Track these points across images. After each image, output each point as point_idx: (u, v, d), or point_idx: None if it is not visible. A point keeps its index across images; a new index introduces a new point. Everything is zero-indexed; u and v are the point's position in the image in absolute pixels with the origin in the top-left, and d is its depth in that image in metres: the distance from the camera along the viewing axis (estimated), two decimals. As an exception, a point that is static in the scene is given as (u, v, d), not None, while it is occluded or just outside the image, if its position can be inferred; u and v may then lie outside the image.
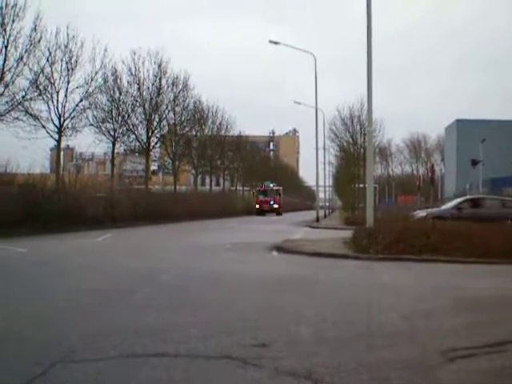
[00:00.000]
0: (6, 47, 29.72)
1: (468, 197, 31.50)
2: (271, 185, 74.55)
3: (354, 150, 55.23)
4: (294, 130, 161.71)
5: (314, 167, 51.19)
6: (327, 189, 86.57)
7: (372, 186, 20.02)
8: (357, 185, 53.53)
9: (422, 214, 24.79)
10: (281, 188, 76.28)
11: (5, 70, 29.89)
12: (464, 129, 76.45)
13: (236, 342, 6.22)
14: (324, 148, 60.31)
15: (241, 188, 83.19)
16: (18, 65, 30.51)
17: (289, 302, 8.99)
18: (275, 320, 7.56)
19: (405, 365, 5.53)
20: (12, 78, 30.43)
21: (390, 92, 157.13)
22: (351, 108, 55.10)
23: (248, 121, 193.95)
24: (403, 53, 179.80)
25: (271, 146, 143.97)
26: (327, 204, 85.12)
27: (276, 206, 71.79)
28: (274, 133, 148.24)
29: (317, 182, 54.20)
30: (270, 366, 5.35)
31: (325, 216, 62.13)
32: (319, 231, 31.75)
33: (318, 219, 47.70)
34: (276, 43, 44.91)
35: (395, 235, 16.85)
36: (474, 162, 37.72)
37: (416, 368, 5.47)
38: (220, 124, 62.95)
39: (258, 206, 70.33)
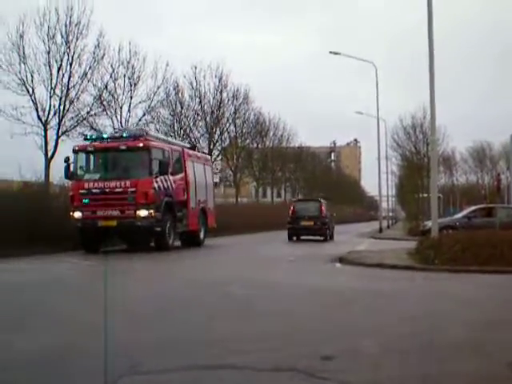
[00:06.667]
0: (71, 64, 30.56)
1: (479, 206, 30.94)
2: (126, 134, 22.85)
3: (417, 160, 54.62)
4: (356, 140, 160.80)
5: (377, 177, 50.81)
6: (390, 199, 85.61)
7: (436, 196, 19.71)
8: (421, 195, 52.84)
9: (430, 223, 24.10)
10: (208, 158, 32.02)
11: (70, 86, 30.73)
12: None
13: (301, 354, 6.22)
14: (386, 158, 59.73)
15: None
16: (82, 81, 31.33)
17: (352, 314, 8.94)
18: (339, 332, 7.52)
19: (471, 377, 5.46)
20: (77, 94, 31.24)
21: (450, 93, 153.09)
22: (413, 116, 54.65)
23: (309, 132, 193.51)
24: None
25: (332, 157, 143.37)
26: (390, 214, 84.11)
27: (147, 212, 21.33)
28: (335, 143, 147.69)
29: (379, 192, 53.76)
30: (336, 378, 5.33)
31: (388, 226, 61.45)
32: (382, 242, 31.41)
33: (381, 230, 47.27)
34: (336, 53, 44.81)
35: (461, 246, 16.55)
36: (541, 170, 36.76)
37: (482, 381, 5.38)
38: (281, 136, 63.05)
39: (78, 220, 21.53)
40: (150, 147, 21.85)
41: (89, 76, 31.75)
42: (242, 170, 54.50)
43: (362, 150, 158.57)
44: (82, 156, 22.50)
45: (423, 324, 8.18)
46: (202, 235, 26.31)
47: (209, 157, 33.35)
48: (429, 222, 23.56)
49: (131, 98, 35.30)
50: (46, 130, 30.30)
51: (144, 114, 36.69)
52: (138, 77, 35.25)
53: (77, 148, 22.72)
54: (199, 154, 28.49)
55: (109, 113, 34.30)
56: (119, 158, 22.28)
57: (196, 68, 44.80)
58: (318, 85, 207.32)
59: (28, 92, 30.02)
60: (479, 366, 5.82)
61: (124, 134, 22.75)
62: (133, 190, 21.29)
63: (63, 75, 30.48)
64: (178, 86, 43.08)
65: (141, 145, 21.70)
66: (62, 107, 30.70)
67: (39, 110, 30.17)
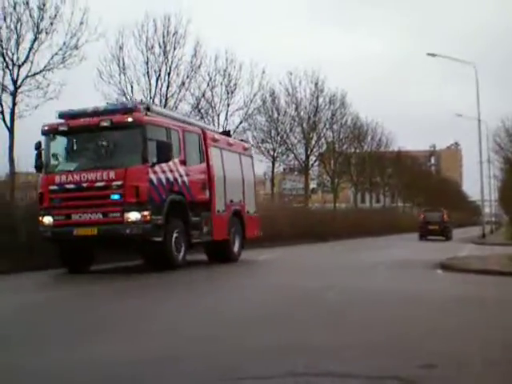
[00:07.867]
0: (169, 74, 31.06)
1: None
2: (112, 107, 17.18)
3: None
4: (456, 143, 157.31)
5: (479, 181, 49.41)
6: (493, 203, 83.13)
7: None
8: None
9: None
10: (246, 146, 23.11)
11: (168, 95, 31.24)
12: None
13: (402, 362, 6.07)
14: (488, 161, 57.85)
15: (402, 204, 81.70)
16: (180, 90, 31.78)
17: (454, 323, 8.66)
18: (441, 340, 7.29)
19: None
20: (175, 103, 31.73)
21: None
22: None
23: (408, 136, 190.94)
24: None
25: (432, 161, 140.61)
26: (493, 219, 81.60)
27: (139, 214, 15.26)
28: (434, 147, 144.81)
29: (482, 197, 52.24)
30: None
31: (491, 232, 59.64)
32: (485, 248, 30.49)
33: (483, 235, 45.99)
34: (433, 55, 43.90)
35: None
36: None
37: None
38: (379, 140, 62.23)
39: (48, 227, 16.02)
40: (143, 123, 15.70)
41: (186, 85, 32.21)
42: (340, 175, 54.11)
43: (462, 154, 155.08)
44: (53, 139, 16.58)
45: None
46: (236, 248, 20.11)
47: (247, 145, 24.02)
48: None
49: (228, 105, 35.61)
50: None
51: (241, 122, 36.97)
52: (235, 84, 35.52)
53: (46, 128, 16.46)
54: (232, 140, 21.18)
55: (206, 121, 34.71)
56: (102, 139, 15.92)
57: (291, 74, 44.89)
58: (413, 87, 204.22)
59: (128, 102, 30.73)
60: None
61: (110, 108, 17.00)
62: (119, 183, 15.35)
63: (162, 85, 31.04)
64: (274, 92, 43.31)
65: (130, 119, 15.60)
66: (161, 117, 31.29)
67: (140, 119, 30.93)
